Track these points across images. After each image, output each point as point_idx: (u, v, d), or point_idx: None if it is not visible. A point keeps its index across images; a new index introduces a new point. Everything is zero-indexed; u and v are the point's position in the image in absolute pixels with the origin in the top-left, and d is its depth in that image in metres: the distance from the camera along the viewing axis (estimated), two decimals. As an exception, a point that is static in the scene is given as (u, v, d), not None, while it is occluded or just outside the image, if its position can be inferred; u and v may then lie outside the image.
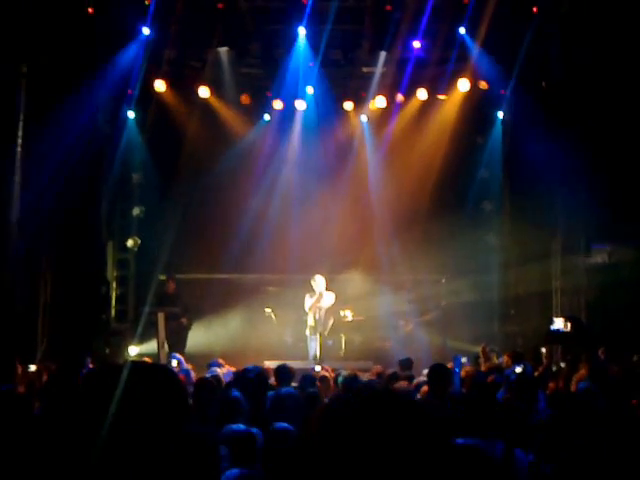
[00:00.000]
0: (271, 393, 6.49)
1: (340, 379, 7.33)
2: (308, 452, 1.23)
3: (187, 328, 13.45)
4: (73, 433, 1.51)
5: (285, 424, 4.60)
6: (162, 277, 14.15)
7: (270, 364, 9.83)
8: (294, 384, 7.54)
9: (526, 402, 5.99)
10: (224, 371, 8.41)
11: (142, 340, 13.17)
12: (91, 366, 8.54)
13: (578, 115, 12.72)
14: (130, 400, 1.51)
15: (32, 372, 9.08)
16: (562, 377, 8.12)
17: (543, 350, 12.34)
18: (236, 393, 5.51)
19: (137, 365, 1.61)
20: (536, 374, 8.41)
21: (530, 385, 6.43)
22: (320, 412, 1.28)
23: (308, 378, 7.61)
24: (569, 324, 12.04)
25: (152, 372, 1.60)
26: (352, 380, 7.06)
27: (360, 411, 1.23)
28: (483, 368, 9.27)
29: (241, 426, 4.56)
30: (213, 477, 3.44)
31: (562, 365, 10.69)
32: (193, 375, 8.43)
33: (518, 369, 8.31)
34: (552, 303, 14.00)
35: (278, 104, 14.78)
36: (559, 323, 12.23)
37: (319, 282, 12.81)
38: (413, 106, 14.91)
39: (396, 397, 1.29)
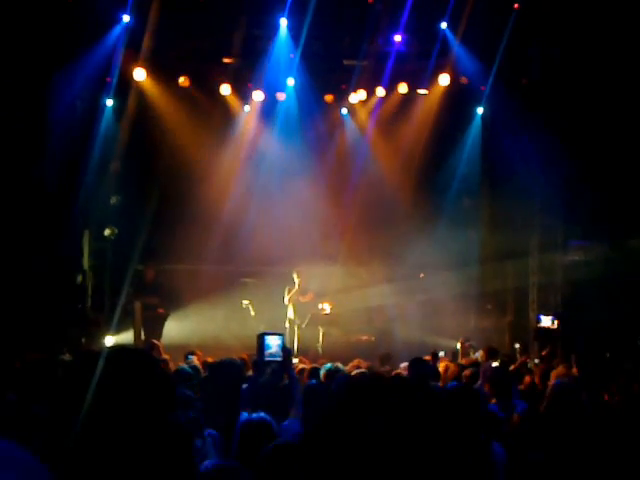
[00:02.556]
0: (247, 384, 6.46)
1: (322, 370, 7.30)
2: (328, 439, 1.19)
3: (164, 318, 13.38)
4: (53, 421, 1.49)
5: (262, 414, 4.57)
6: (139, 267, 14.04)
7: (247, 356, 9.79)
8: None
9: (502, 397, 6.05)
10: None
11: (119, 330, 13.07)
12: (67, 356, 8.44)
13: (557, 113, 12.80)
14: (111, 387, 1.48)
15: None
16: (538, 373, 8.18)
17: (517, 346, 12.46)
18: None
19: (118, 351, 1.59)
20: (511, 368, 8.48)
21: (505, 380, 6.47)
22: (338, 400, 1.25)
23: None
24: (556, 322, 12.11)
25: (134, 358, 1.58)
26: (335, 371, 7.04)
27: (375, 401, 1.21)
28: (461, 362, 9.32)
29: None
30: (191, 467, 3.41)
31: (536, 361, 10.79)
32: (170, 365, 8.38)
33: (494, 364, 8.38)
34: (528, 299, 14.11)
35: (258, 95, 14.70)
36: (546, 320, 12.28)
37: (304, 275, 12.92)
38: (394, 100, 14.91)
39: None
